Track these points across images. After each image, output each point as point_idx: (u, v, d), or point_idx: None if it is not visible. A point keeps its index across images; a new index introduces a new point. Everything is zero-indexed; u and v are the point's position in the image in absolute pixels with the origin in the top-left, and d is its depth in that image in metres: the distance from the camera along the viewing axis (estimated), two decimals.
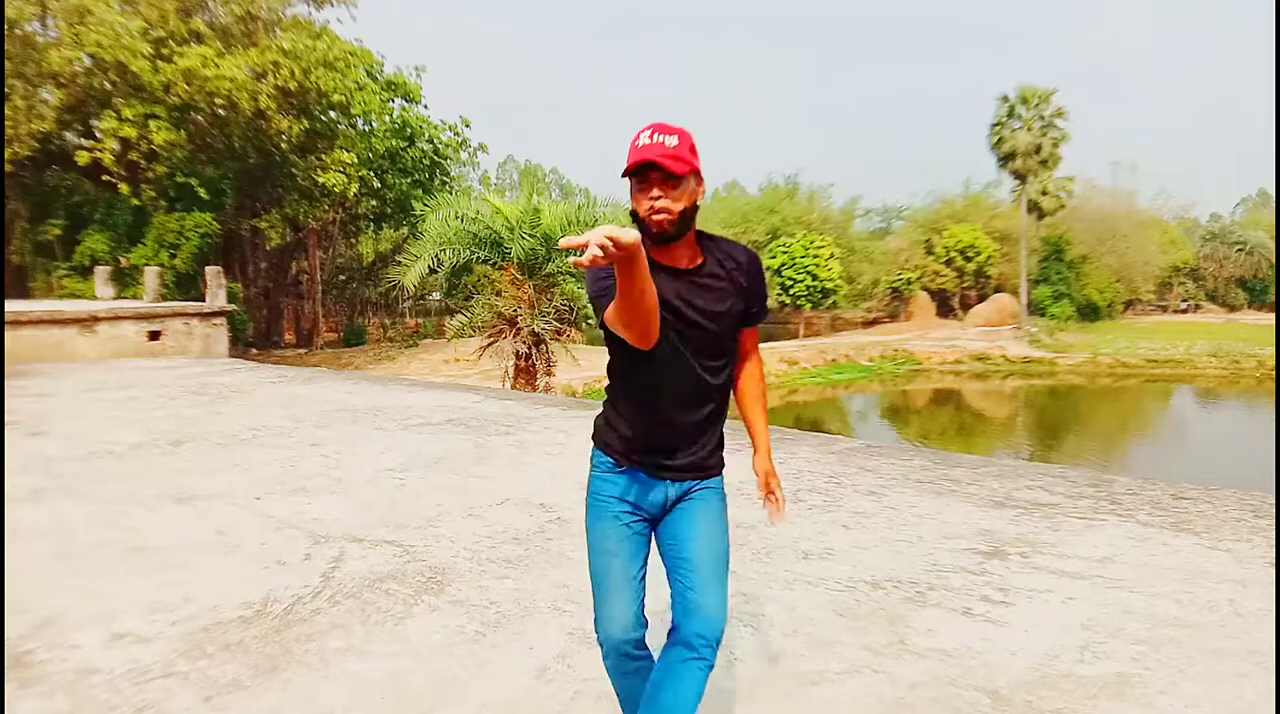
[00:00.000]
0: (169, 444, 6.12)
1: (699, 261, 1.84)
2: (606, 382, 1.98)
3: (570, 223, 13.42)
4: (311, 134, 23.75)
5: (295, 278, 30.93)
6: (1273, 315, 42.89)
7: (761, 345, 2.11)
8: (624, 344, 1.80)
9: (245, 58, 21.22)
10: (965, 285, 43.55)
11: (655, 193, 1.73)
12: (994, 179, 45.30)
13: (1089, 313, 41.95)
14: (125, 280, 20.71)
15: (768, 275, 26.38)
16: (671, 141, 1.74)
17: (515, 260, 13.43)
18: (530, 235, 13.27)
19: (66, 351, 12.12)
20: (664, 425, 1.88)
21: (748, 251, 1.92)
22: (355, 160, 23.67)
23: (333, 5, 25.10)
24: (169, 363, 12.17)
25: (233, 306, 15.76)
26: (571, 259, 1.52)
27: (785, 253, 36.88)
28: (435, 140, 28.05)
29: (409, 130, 27.09)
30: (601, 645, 1.88)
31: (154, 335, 13.19)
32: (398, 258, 21.45)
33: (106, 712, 2.39)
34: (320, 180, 23.21)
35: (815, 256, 36.43)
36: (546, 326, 13.43)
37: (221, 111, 21.86)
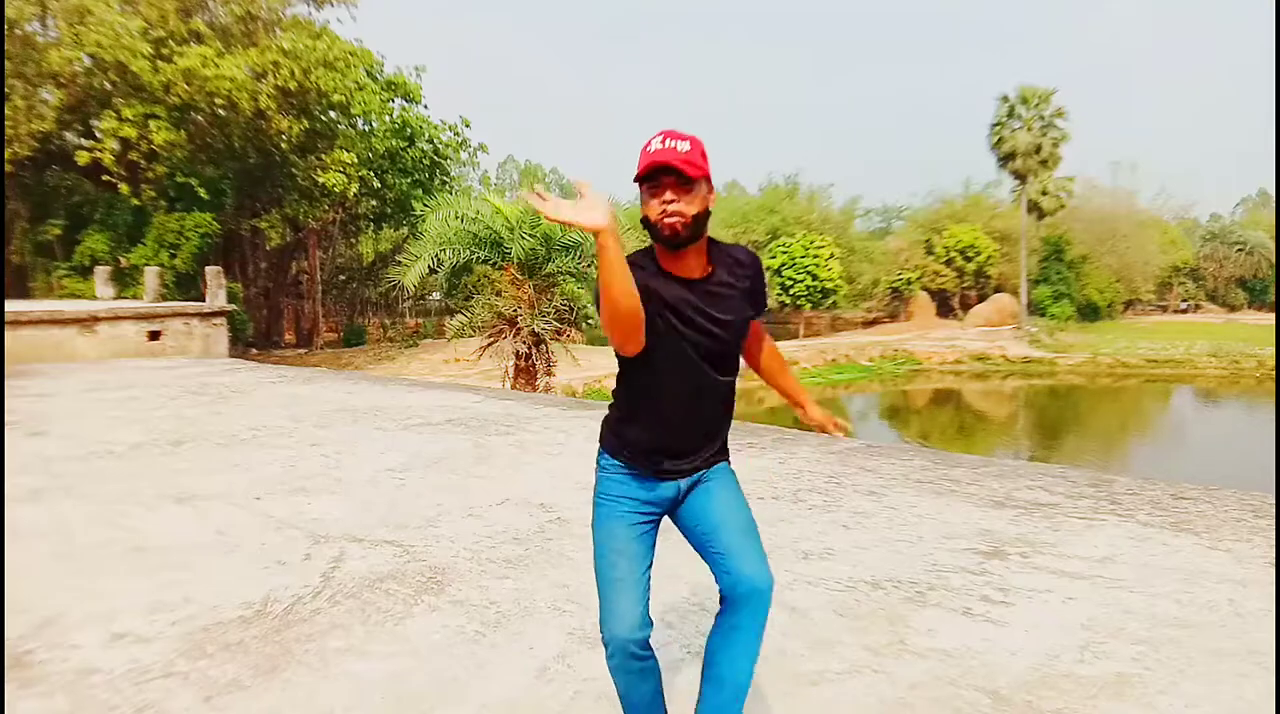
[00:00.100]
0: (169, 444, 6.12)
1: (709, 270, 1.85)
2: (615, 385, 1.99)
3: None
4: (311, 134, 23.75)
5: (295, 278, 30.93)
6: (1273, 315, 42.89)
7: None
8: (638, 357, 1.82)
9: (245, 58, 21.22)
10: (965, 285, 43.55)
11: (668, 196, 1.75)
12: (994, 179, 45.40)
13: (1089, 313, 41.96)
14: (125, 280, 20.71)
15: (767, 275, 26.40)
16: (684, 147, 1.75)
17: (515, 260, 13.43)
18: (530, 235, 13.28)
19: (66, 352, 12.12)
20: (674, 429, 1.90)
21: (748, 252, 1.96)
22: (355, 160, 23.66)
23: (333, 5, 25.11)
24: (169, 363, 12.17)
25: (233, 307, 15.76)
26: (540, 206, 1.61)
27: (785, 253, 36.89)
28: (435, 140, 28.05)
29: (409, 130, 27.09)
30: (607, 645, 1.87)
31: (154, 335, 13.19)
32: (398, 258, 21.43)
33: (106, 712, 2.39)
34: (320, 180, 23.21)
35: (815, 257, 36.44)
36: (546, 326, 13.43)
37: (221, 111, 21.86)
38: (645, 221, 1.80)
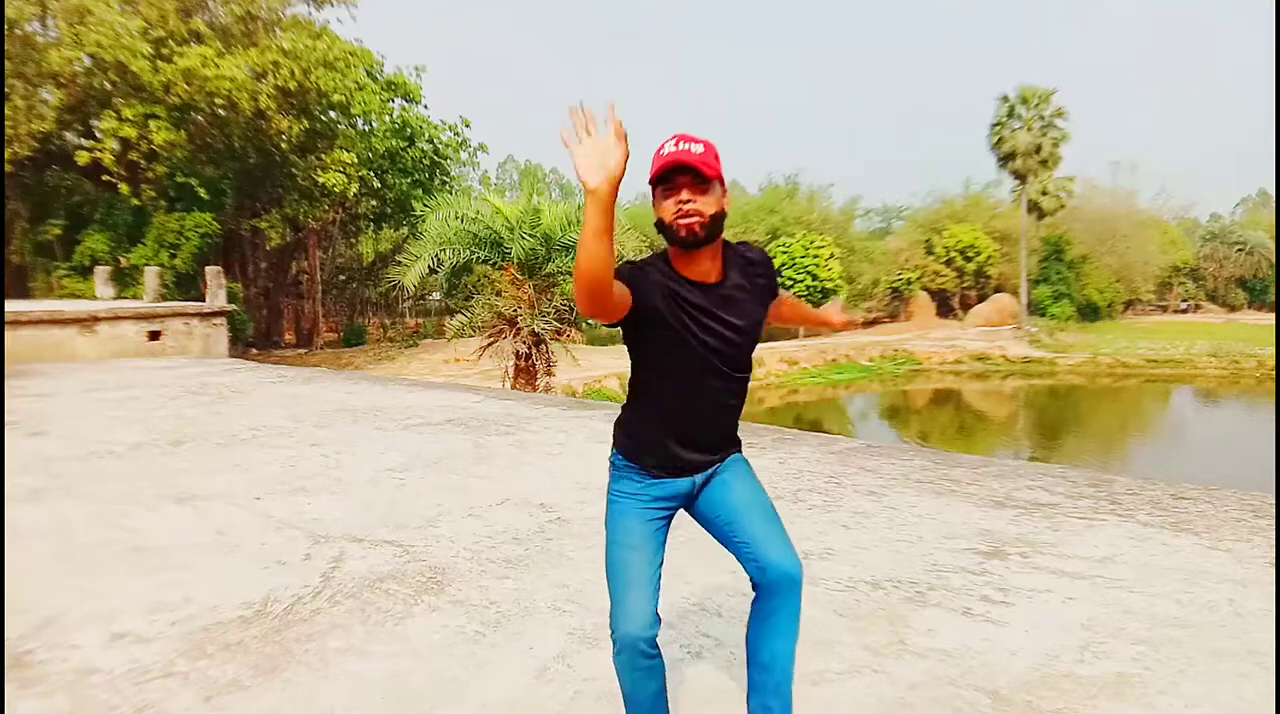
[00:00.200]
0: (169, 444, 6.12)
1: (723, 274, 1.86)
2: (629, 386, 1.99)
3: (570, 223, 13.43)
4: (311, 134, 23.75)
5: (295, 278, 30.93)
6: (1273, 315, 42.89)
7: (761, 345, 2.17)
8: (650, 353, 1.84)
9: (245, 58, 21.22)
10: (965, 285, 43.55)
11: (684, 196, 1.75)
12: (994, 179, 45.36)
13: (1089, 313, 41.96)
14: (125, 280, 20.71)
15: None
16: (697, 149, 1.76)
17: (515, 260, 13.43)
18: (530, 235, 13.28)
19: (66, 352, 12.12)
20: (690, 430, 1.91)
21: (759, 250, 1.98)
22: (355, 160, 23.66)
23: (333, 5, 25.10)
24: (169, 363, 12.18)
25: (233, 307, 15.76)
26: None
27: (785, 253, 36.87)
28: (435, 140, 28.05)
29: (409, 130, 27.08)
30: (615, 642, 1.87)
31: (154, 335, 13.19)
32: (398, 258, 21.44)
33: (106, 712, 2.39)
34: (320, 180, 23.21)
35: (815, 256, 36.42)
36: (546, 326, 13.43)
37: (221, 111, 21.86)
38: (660, 224, 1.80)
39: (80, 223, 23.09)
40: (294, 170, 24.27)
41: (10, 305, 12.72)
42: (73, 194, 23.46)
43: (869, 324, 43.16)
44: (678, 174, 1.75)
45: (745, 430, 2.10)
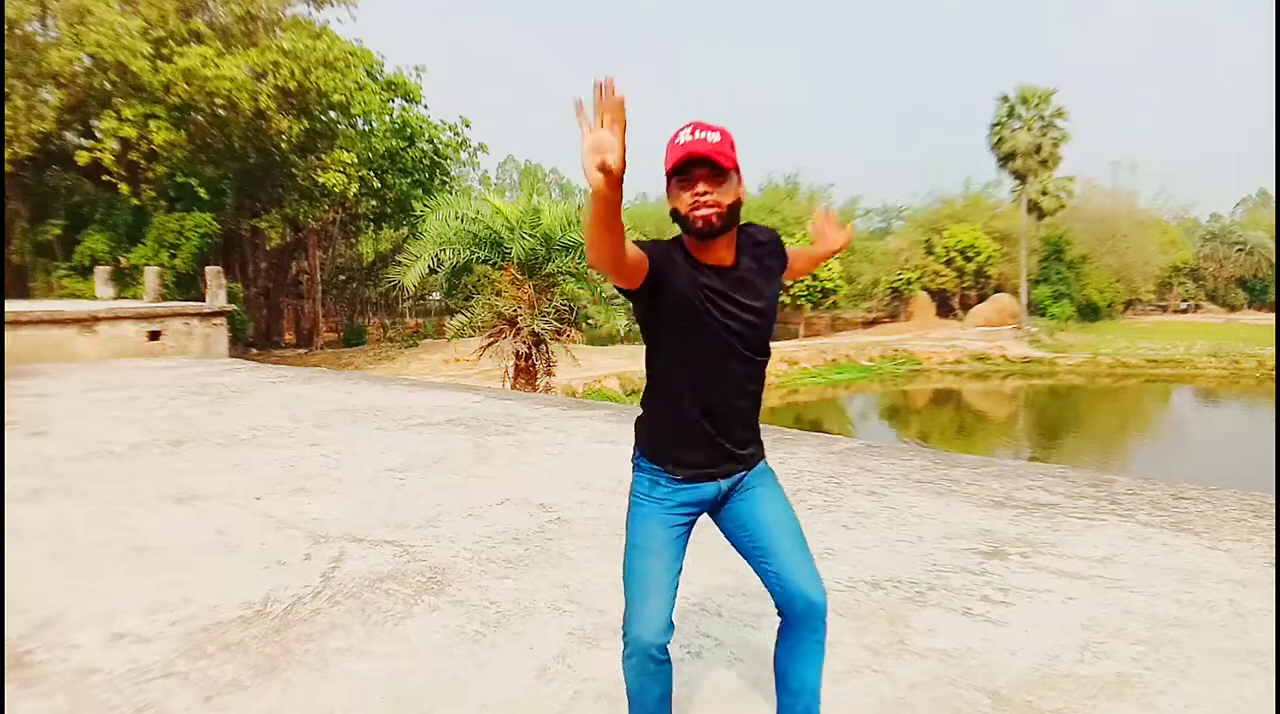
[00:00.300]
0: (169, 444, 6.12)
1: (737, 258, 1.84)
2: (646, 383, 1.95)
3: (570, 223, 13.43)
4: (311, 134, 23.75)
5: (295, 278, 30.94)
6: (1273, 315, 42.89)
7: None
8: (671, 337, 1.81)
9: (245, 58, 21.22)
10: (965, 285, 43.53)
11: (701, 188, 1.73)
12: (994, 179, 45.36)
13: (1089, 313, 41.95)
14: (125, 280, 20.71)
15: None
16: (714, 138, 1.74)
17: (515, 260, 13.43)
18: (530, 235, 13.28)
19: (66, 352, 12.12)
20: (714, 417, 1.86)
21: (766, 230, 1.97)
22: (355, 160, 23.66)
23: (333, 5, 25.10)
24: (169, 363, 12.18)
25: (233, 307, 15.76)
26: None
27: None
28: (435, 140, 28.05)
29: (409, 130, 27.08)
30: (627, 645, 1.85)
31: (154, 335, 13.19)
32: (398, 258, 21.45)
33: (106, 712, 2.39)
34: (320, 180, 23.21)
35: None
36: (546, 326, 13.43)
37: (221, 111, 21.86)
38: (675, 214, 1.78)
39: (80, 223, 23.09)
40: (294, 170, 24.27)
41: (10, 305, 12.72)
42: (73, 194, 23.46)
43: (869, 324, 43.16)
44: (694, 166, 1.73)
45: None
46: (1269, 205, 61.81)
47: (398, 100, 27.10)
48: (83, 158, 20.81)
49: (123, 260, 21.65)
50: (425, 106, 27.95)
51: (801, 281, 36.29)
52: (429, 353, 27.33)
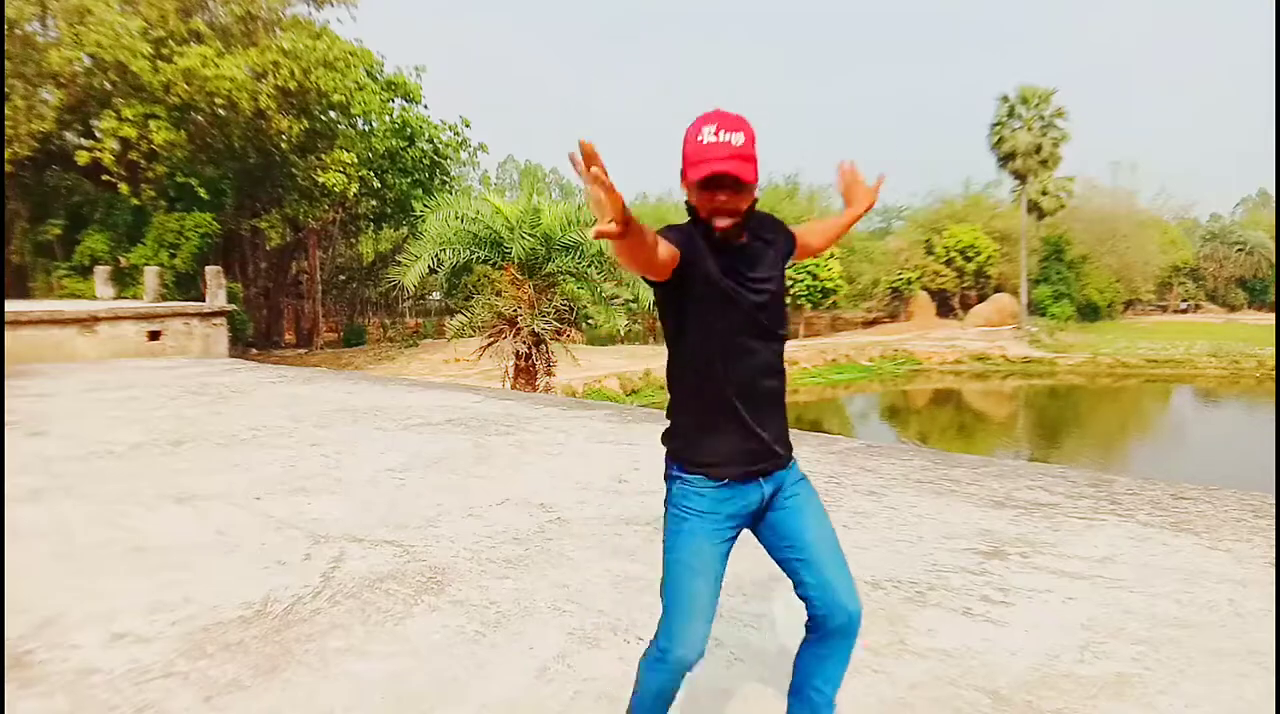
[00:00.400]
0: (169, 444, 6.12)
1: (747, 234, 1.84)
2: (671, 386, 1.91)
3: (570, 223, 13.44)
4: (311, 134, 23.75)
5: (295, 278, 30.94)
6: (1273, 315, 42.87)
7: None
8: (697, 318, 1.78)
9: (245, 58, 21.22)
10: (965, 285, 43.54)
11: (723, 197, 1.73)
12: (994, 179, 45.33)
13: (1089, 313, 41.95)
14: (125, 280, 20.72)
15: None
16: (739, 140, 1.71)
17: (515, 260, 13.44)
18: (530, 235, 13.28)
19: (66, 352, 12.12)
20: (746, 402, 1.83)
21: (766, 214, 1.96)
22: (355, 160, 23.67)
23: (333, 5, 25.11)
24: (169, 363, 12.18)
25: (233, 307, 15.76)
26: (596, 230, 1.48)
27: None
28: (435, 140, 28.06)
29: (409, 130, 27.09)
30: (664, 661, 1.82)
31: (154, 335, 13.19)
32: (398, 258, 21.45)
33: (106, 712, 2.39)
34: (320, 180, 23.21)
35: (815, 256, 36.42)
36: (546, 326, 13.44)
37: (221, 111, 21.86)
38: (692, 211, 1.79)
39: (80, 223, 23.09)
40: (294, 170, 24.28)
41: (10, 305, 12.72)
42: (73, 194, 23.47)
43: (869, 324, 43.17)
44: (720, 181, 1.72)
45: None
46: (1269, 205, 61.82)
47: (398, 100, 27.11)
48: (83, 158, 20.81)
49: (123, 260, 21.66)
50: (425, 106, 27.99)
51: (801, 282, 36.31)
52: (429, 353, 27.33)
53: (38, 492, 4.78)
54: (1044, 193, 39.29)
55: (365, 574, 3.44)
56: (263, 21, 23.29)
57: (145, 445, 6.07)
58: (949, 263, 42.74)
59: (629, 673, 2.54)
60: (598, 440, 6.13)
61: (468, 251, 13.70)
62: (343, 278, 33.66)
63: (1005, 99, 39.44)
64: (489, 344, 13.98)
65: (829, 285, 36.60)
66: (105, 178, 21.31)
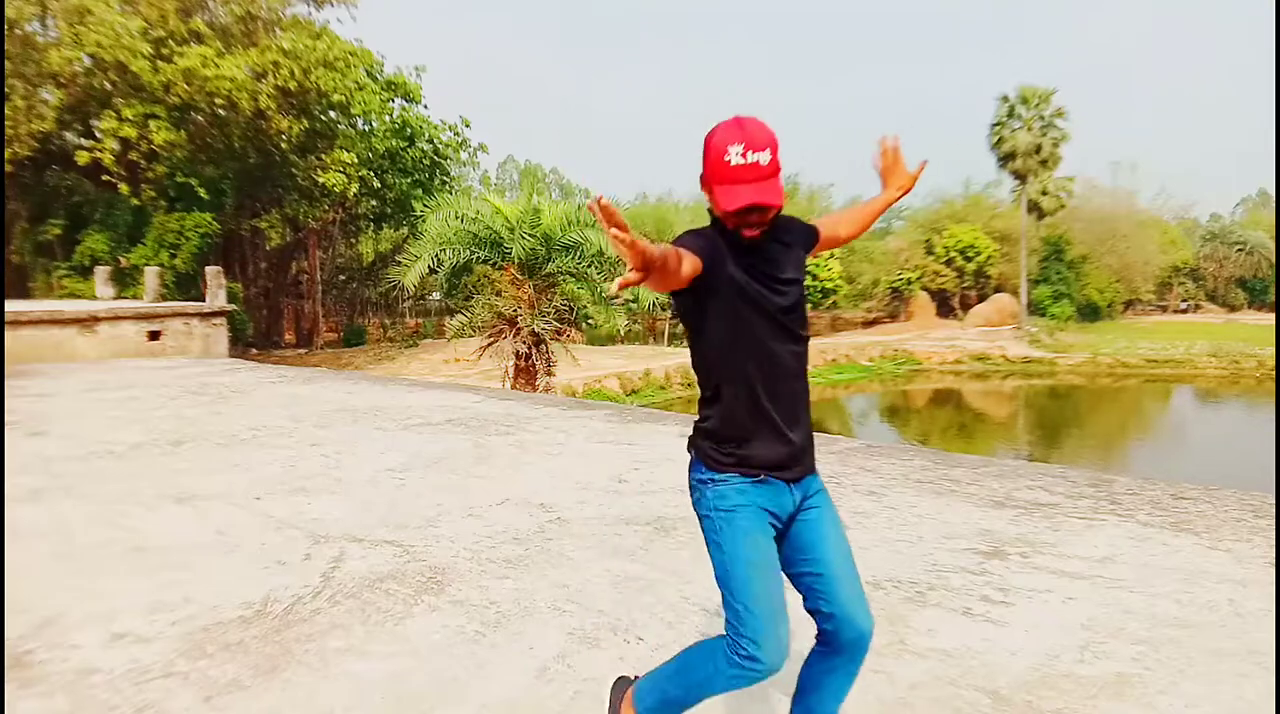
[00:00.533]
0: (169, 444, 6.12)
1: (766, 234, 1.84)
2: (701, 389, 1.91)
3: (570, 223, 13.44)
4: (311, 134, 23.75)
5: (295, 278, 30.94)
6: (1273, 315, 42.88)
7: None
8: (723, 322, 1.79)
9: (245, 58, 21.22)
10: (965, 285, 43.54)
11: (754, 218, 1.75)
12: (994, 179, 45.36)
13: (1089, 313, 41.95)
14: (125, 280, 20.71)
15: None
16: (765, 159, 1.71)
17: (515, 260, 13.44)
18: (530, 235, 13.29)
19: (66, 352, 12.12)
20: (777, 400, 1.83)
21: (786, 216, 1.95)
22: (355, 160, 23.67)
23: (333, 5, 25.11)
24: (169, 363, 12.18)
25: (233, 307, 15.76)
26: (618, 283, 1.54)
27: None
28: (435, 140, 28.06)
29: (409, 130, 27.09)
30: (757, 672, 1.74)
31: (154, 335, 13.19)
32: (398, 258, 21.46)
33: (106, 712, 2.39)
34: (320, 180, 23.22)
35: (815, 256, 36.39)
36: (546, 326, 13.44)
37: (221, 111, 21.86)
38: (716, 219, 1.80)
39: (80, 223, 23.09)
40: (294, 170, 24.28)
41: (10, 305, 12.72)
42: (73, 194, 23.47)
43: (869, 324, 43.19)
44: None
45: None
46: (1269, 205, 61.79)
47: (398, 100, 27.11)
48: (83, 158, 20.81)
49: (123, 260, 21.66)
50: (425, 106, 27.98)
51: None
52: (429, 353, 27.33)
53: (38, 492, 4.78)
54: (1044, 193, 39.28)
55: (365, 574, 3.44)
56: (263, 21, 23.29)
57: (145, 445, 6.08)
58: (949, 263, 42.76)
59: (629, 673, 2.55)
60: (598, 440, 6.13)
61: (468, 251, 13.71)
62: (343, 278, 33.66)
63: (1005, 99, 39.44)
64: (489, 344, 13.98)
65: (829, 285, 36.63)
66: (105, 178, 21.31)
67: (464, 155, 31.53)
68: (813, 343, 2.03)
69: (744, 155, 1.70)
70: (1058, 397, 29.92)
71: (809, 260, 2.16)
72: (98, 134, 21.38)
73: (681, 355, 27.01)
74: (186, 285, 21.01)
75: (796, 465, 1.86)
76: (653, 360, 26.44)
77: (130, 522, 4.22)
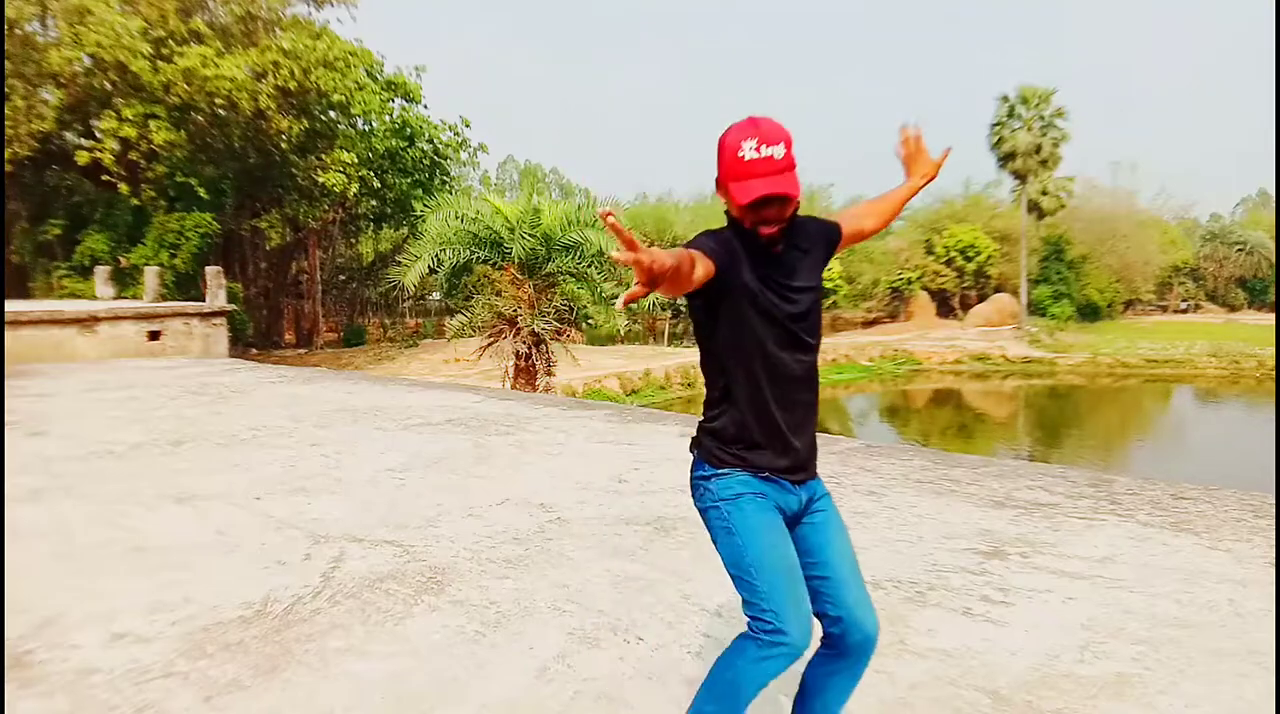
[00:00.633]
0: (169, 444, 6.12)
1: (785, 242, 1.82)
2: (708, 390, 1.90)
3: (570, 223, 13.44)
4: (311, 134, 23.74)
5: (295, 278, 30.92)
6: (1273, 315, 42.87)
7: None
8: (735, 327, 1.77)
9: (245, 58, 21.22)
10: (965, 285, 43.54)
11: (769, 212, 1.73)
12: (994, 179, 45.29)
13: (1089, 313, 41.94)
14: (125, 280, 20.71)
15: None
16: (780, 153, 1.70)
17: (515, 260, 13.44)
18: (530, 235, 13.29)
19: (66, 352, 12.12)
20: (785, 412, 1.82)
21: (805, 218, 1.93)
22: (355, 160, 23.66)
23: (333, 5, 25.09)
24: (169, 363, 12.18)
25: (233, 306, 15.76)
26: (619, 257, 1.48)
27: None
28: (435, 140, 28.04)
29: (409, 130, 27.08)
30: (786, 650, 1.70)
31: (154, 335, 13.19)
32: (398, 258, 21.46)
33: (106, 712, 2.39)
34: (320, 180, 23.21)
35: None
36: (546, 326, 13.44)
37: (221, 111, 21.86)
38: (732, 220, 1.78)
39: (80, 223, 23.09)
40: (294, 170, 24.27)
41: (10, 305, 12.72)
42: (73, 194, 23.46)
43: (869, 324, 43.19)
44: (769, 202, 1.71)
45: None
46: (1269, 205, 61.78)
47: (398, 100, 27.09)
48: (83, 158, 20.80)
49: (123, 260, 21.65)
50: (425, 106, 27.94)
51: None
52: (429, 353, 27.33)
53: (38, 492, 4.78)
54: (1044, 193, 39.27)
55: (365, 574, 3.44)
56: (263, 21, 23.29)
57: (145, 445, 6.07)
58: (949, 263, 42.75)
59: (629, 673, 2.55)
60: (598, 440, 6.13)
61: (468, 251, 13.71)
62: (343, 278, 33.65)
63: (1005, 99, 39.42)
64: (489, 344, 13.98)
65: (829, 285, 36.59)
66: (105, 178, 21.31)
67: (464, 155, 31.50)
68: None
69: (758, 149, 1.69)
70: (1058, 397, 29.91)
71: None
72: (98, 134, 21.37)
73: (681, 355, 27.02)
74: (186, 285, 21.01)
75: (801, 471, 1.87)
76: (653, 360, 26.43)
77: (130, 522, 4.22)
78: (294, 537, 3.95)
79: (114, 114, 20.63)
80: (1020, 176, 39.59)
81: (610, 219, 1.38)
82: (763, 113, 1.77)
